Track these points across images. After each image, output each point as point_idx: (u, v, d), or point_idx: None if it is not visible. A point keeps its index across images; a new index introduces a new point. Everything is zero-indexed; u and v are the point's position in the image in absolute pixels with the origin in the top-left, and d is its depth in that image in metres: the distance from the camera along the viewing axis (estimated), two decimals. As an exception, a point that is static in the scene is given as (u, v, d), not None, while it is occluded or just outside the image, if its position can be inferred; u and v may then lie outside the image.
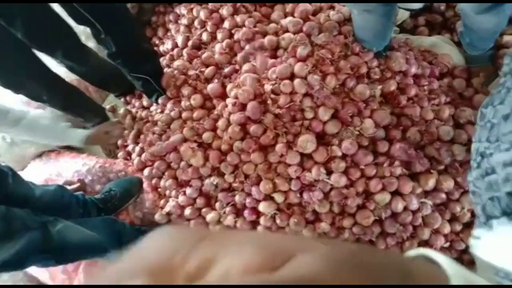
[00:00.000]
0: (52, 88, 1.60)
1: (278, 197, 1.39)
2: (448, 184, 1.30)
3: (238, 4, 1.69)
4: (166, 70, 1.78)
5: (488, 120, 0.83)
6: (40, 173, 1.85)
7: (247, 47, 1.59)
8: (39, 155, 1.99)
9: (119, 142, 1.89)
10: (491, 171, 0.77)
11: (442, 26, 1.59)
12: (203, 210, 1.53)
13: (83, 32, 1.84)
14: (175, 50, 1.85)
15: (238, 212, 1.49)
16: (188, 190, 1.55)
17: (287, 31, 1.55)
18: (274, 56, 1.54)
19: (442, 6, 1.56)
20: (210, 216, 1.50)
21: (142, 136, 1.81)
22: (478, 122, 0.89)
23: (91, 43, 1.85)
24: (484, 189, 0.79)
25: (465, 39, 1.40)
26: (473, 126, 1.35)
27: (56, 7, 1.44)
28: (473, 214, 1.34)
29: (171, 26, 1.94)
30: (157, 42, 2.02)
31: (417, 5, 1.57)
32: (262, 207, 1.40)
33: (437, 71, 1.46)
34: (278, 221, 1.39)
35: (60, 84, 1.64)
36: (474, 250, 0.78)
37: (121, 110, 1.99)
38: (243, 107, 1.46)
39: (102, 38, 1.45)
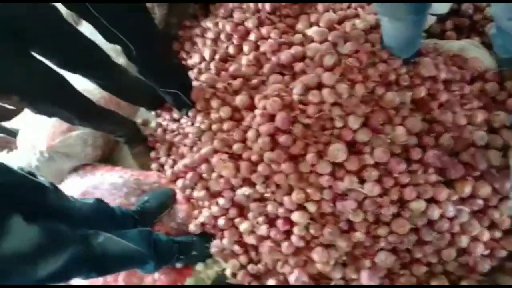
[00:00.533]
0: (82, 114, 1.64)
1: (311, 207, 1.39)
2: (485, 190, 1.28)
3: (263, 16, 1.71)
4: (194, 83, 1.82)
5: None
6: (78, 187, 1.91)
7: (273, 58, 1.61)
8: (76, 169, 2.05)
9: (152, 154, 1.94)
10: None
11: (471, 29, 1.57)
12: (236, 220, 1.55)
13: (113, 50, 1.90)
14: (203, 64, 1.89)
15: (271, 222, 1.50)
16: (221, 201, 1.57)
17: (313, 41, 1.56)
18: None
19: (470, 9, 1.54)
20: (243, 226, 1.51)
21: (173, 148, 1.85)
22: None
23: (121, 60, 1.92)
24: None
25: (497, 41, 1.38)
26: (508, 130, 1.33)
27: (87, 27, 1.49)
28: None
29: (198, 40, 1.98)
30: (184, 56, 2.06)
31: (444, 9, 1.55)
32: (295, 217, 1.41)
33: (468, 75, 1.43)
34: (312, 231, 1.39)
35: (89, 108, 1.68)
36: None
37: (153, 124, 2.05)
38: (271, 117, 1.48)
39: (133, 55, 1.49)
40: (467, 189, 1.29)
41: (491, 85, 1.42)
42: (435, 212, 1.29)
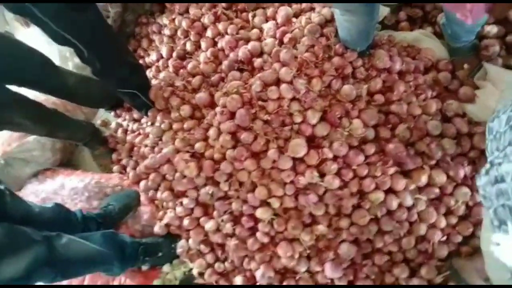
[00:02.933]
0: (35, 117, 1.59)
1: (274, 203, 1.40)
2: (441, 178, 1.32)
3: (219, 12, 1.68)
4: (153, 81, 1.78)
5: (496, 131, 0.85)
6: (38, 193, 1.85)
7: (231, 55, 1.59)
8: (35, 175, 1.98)
9: (114, 156, 1.89)
10: (501, 179, 0.79)
11: (423, 20, 1.59)
12: (201, 219, 1.54)
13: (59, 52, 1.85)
14: (161, 61, 1.85)
15: (236, 219, 1.50)
16: (185, 201, 1.56)
17: (270, 36, 1.55)
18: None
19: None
20: (209, 225, 1.51)
21: (135, 149, 1.82)
22: (487, 137, 0.90)
23: (76, 60, 1.87)
24: (494, 195, 0.81)
25: (447, 31, 1.41)
26: (462, 119, 1.37)
27: (34, 30, 1.43)
28: (468, 207, 1.37)
29: (155, 37, 1.94)
30: (142, 53, 2.01)
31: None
32: (259, 213, 1.42)
33: (422, 66, 1.46)
34: (276, 226, 1.40)
35: (42, 111, 1.63)
36: (496, 255, 0.80)
37: (113, 124, 2.00)
38: (232, 115, 1.47)
39: (85, 57, 1.44)
40: (424, 178, 1.32)
41: (443, 75, 1.45)
42: (393, 202, 1.32)
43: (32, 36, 1.85)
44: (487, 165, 0.85)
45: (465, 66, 1.44)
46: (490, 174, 0.83)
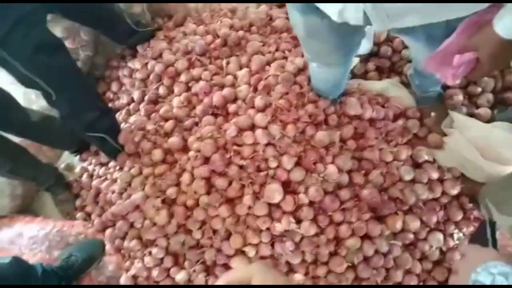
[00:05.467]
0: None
1: (250, 251, 1.36)
2: (415, 224, 1.34)
3: (193, 58, 1.70)
4: (123, 125, 1.74)
5: None
6: (-8, 242, 1.71)
7: (205, 100, 1.59)
8: (-10, 222, 1.85)
9: (78, 202, 1.80)
10: None
11: (391, 70, 1.68)
12: (172, 270, 1.47)
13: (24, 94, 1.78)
14: (132, 105, 1.82)
15: (209, 269, 1.44)
16: (154, 250, 1.48)
17: (245, 82, 1.57)
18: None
19: (389, 52, 1.65)
20: (179, 276, 1.43)
21: (101, 195, 1.73)
22: None
23: (41, 102, 1.81)
24: None
25: (414, 81, 1.48)
26: (432, 164, 1.41)
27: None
28: (441, 252, 1.38)
29: (126, 81, 1.92)
30: (111, 96, 1.98)
31: (365, 51, 1.65)
32: (234, 263, 1.36)
33: (391, 113, 1.52)
34: (251, 276, 1.35)
35: (6, 143, 1.55)
36: None
37: (78, 169, 1.91)
38: (206, 160, 1.45)
39: (53, 100, 1.40)
40: (398, 224, 1.33)
41: (412, 122, 1.51)
42: (370, 249, 1.31)
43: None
44: None
45: (432, 114, 1.50)
46: None
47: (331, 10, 0.79)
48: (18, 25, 1.14)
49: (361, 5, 0.71)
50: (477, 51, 0.74)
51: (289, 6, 1.01)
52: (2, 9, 1.11)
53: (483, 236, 1.20)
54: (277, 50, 1.67)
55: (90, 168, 1.87)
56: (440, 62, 0.83)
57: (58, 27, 1.73)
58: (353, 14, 0.75)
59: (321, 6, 0.82)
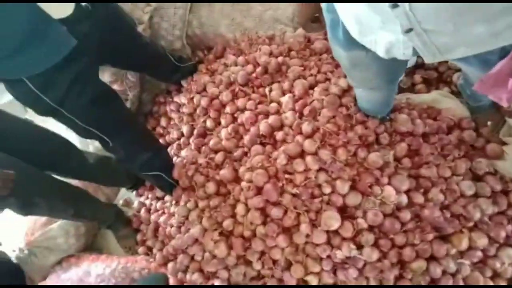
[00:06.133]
0: (63, 196, 1.59)
1: (312, 280, 1.35)
2: (482, 241, 1.28)
3: (236, 89, 1.73)
4: (175, 159, 1.79)
5: None
6: (63, 282, 1.81)
7: (252, 129, 1.61)
8: (59, 262, 1.95)
9: (138, 237, 1.86)
10: None
11: (439, 81, 1.63)
12: (235, 301, 1.48)
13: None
14: (182, 140, 1.87)
15: (271, 299, 1.44)
16: (216, 282, 1.51)
17: (289, 109, 1.57)
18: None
19: (435, 62, 1.60)
20: (243, 307, 1.45)
21: (160, 229, 1.79)
22: None
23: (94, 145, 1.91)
24: None
25: (466, 91, 1.42)
26: (494, 176, 1.35)
27: (55, 124, 1.45)
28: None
29: (174, 115, 1.98)
30: (161, 131, 2.05)
31: (410, 63, 1.61)
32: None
33: (445, 126, 1.46)
34: (316, 304, 1.34)
35: (69, 189, 1.62)
36: None
37: (135, 204, 1.99)
38: (259, 190, 1.46)
39: (109, 147, 1.47)
40: (465, 242, 1.28)
41: (468, 133, 1.45)
42: (437, 270, 1.27)
43: (52, 122, 1.90)
44: None
45: (488, 122, 1.44)
46: None
47: (379, 48, 0.78)
48: (75, 84, 1.21)
49: (410, 43, 0.70)
50: None
51: (331, 41, 1.01)
52: (60, 71, 1.18)
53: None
54: (318, 72, 1.66)
55: (148, 202, 1.93)
56: (493, 85, 0.79)
57: (106, 73, 1.82)
58: (401, 50, 0.74)
59: (367, 44, 0.82)
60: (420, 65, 1.65)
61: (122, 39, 1.50)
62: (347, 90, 1.53)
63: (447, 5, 0.59)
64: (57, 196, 1.56)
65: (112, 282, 1.73)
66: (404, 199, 1.34)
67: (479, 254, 1.29)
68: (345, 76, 1.55)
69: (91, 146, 2.00)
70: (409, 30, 0.66)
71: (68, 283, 1.79)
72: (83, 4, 1.24)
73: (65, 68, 1.18)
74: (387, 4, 0.62)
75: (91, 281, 1.75)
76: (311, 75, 1.66)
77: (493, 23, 0.61)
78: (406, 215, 1.31)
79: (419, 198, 1.34)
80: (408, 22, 0.64)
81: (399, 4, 0.61)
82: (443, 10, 0.60)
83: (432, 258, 1.29)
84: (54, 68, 1.16)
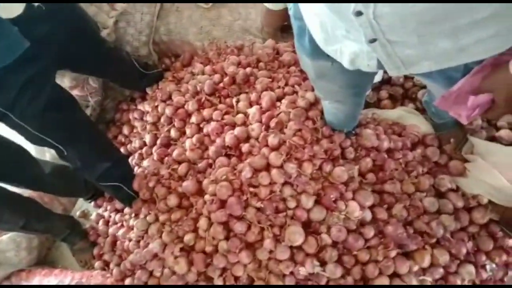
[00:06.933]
0: (12, 206, 1.49)
1: (274, 297, 1.31)
2: (444, 258, 1.28)
3: (203, 98, 1.68)
4: (136, 170, 1.72)
5: None
6: (10, 299, 1.69)
7: (217, 140, 1.57)
8: (8, 277, 1.83)
9: (95, 251, 1.77)
10: None
11: (404, 97, 1.64)
12: (194, 319, 1.42)
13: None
14: (144, 149, 1.81)
15: (233, 317, 1.39)
16: (176, 299, 1.44)
17: (256, 120, 1.54)
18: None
19: (401, 78, 1.62)
20: (203, 325, 1.39)
21: (118, 243, 1.70)
22: None
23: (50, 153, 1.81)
24: None
25: (431, 108, 1.44)
26: (456, 193, 1.36)
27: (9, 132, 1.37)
28: (474, 285, 1.32)
29: (137, 124, 1.91)
30: (123, 140, 1.97)
31: (376, 79, 1.62)
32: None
33: (409, 142, 1.48)
34: (277, 323, 1.30)
35: (19, 199, 1.54)
36: None
37: (93, 215, 1.90)
38: (222, 203, 1.42)
39: (65, 155, 1.39)
40: (427, 259, 1.28)
41: (431, 150, 1.46)
42: (399, 287, 1.26)
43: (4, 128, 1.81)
44: None
45: (451, 140, 1.46)
46: None
47: (344, 58, 0.76)
48: (27, 88, 1.13)
49: (374, 54, 0.69)
50: (493, 93, 0.71)
51: (298, 50, 0.99)
52: (10, 73, 1.10)
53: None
54: (286, 84, 1.64)
55: (106, 214, 1.85)
56: (454, 102, 0.79)
57: (66, 78, 1.74)
58: (366, 61, 0.73)
59: (332, 53, 0.80)
60: (386, 81, 1.66)
61: (84, 44, 1.44)
62: (314, 104, 1.52)
63: (411, 16, 0.57)
64: (5, 207, 1.46)
65: (64, 299, 1.63)
66: (368, 214, 1.33)
67: (441, 270, 1.30)
68: (312, 90, 1.54)
69: (47, 154, 1.89)
70: (373, 40, 0.65)
71: (17, 300, 1.68)
72: (36, 4, 1.17)
73: (16, 71, 1.11)
74: (350, 12, 0.60)
75: (41, 297, 1.65)
76: (279, 87, 1.64)
77: (459, 38, 0.60)
78: (369, 231, 1.30)
79: (383, 214, 1.34)
80: (372, 32, 0.62)
81: (362, 12, 0.59)
82: (408, 21, 0.58)
83: (395, 275, 1.28)
84: (5, 70, 1.09)
